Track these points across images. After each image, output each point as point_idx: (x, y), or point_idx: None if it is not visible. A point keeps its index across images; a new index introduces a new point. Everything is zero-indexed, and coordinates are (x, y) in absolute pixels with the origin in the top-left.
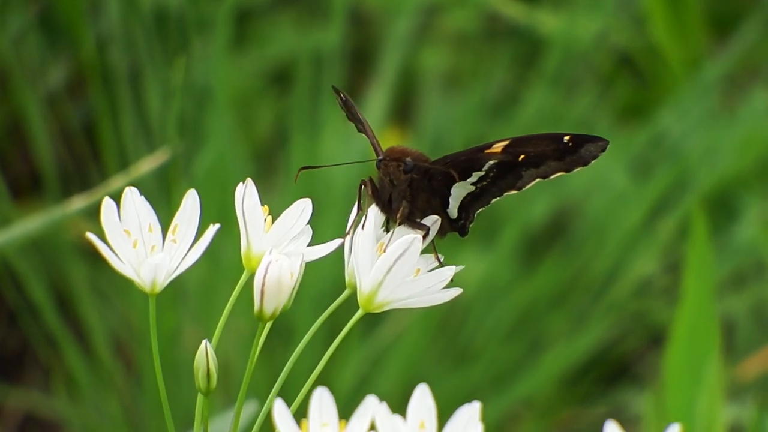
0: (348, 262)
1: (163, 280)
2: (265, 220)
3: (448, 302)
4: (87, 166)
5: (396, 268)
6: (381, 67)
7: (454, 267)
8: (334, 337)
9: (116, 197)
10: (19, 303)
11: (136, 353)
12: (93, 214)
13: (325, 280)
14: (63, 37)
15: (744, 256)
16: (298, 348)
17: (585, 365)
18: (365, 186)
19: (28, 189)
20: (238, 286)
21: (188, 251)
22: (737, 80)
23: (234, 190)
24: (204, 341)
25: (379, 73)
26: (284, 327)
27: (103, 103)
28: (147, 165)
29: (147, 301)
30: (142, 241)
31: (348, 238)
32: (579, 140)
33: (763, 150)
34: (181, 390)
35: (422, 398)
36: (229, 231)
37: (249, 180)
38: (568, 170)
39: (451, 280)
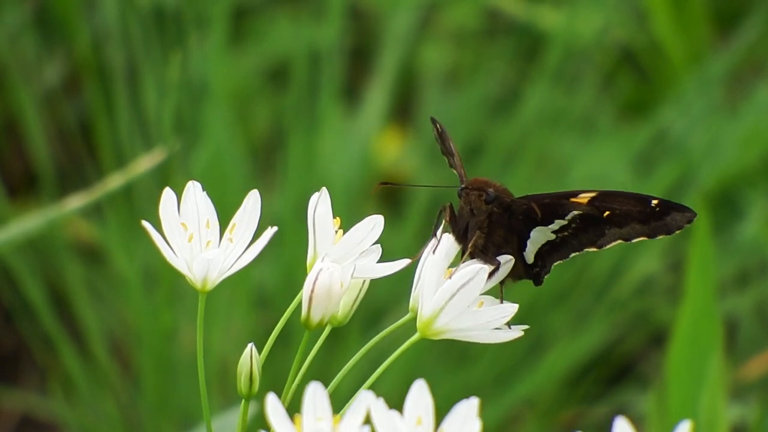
0: (414, 287)
1: (215, 278)
2: (336, 231)
3: None
4: (83, 165)
5: (459, 295)
6: (380, 64)
7: (516, 305)
8: (332, 333)
9: (114, 196)
10: (15, 303)
11: (133, 353)
12: (90, 213)
13: None
14: (59, 34)
15: (747, 254)
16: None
17: (587, 365)
18: (444, 211)
19: (24, 187)
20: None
21: (244, 251)
22: (740, 76)
23: (232, 188)
24: (250, 344)
25: (378, 70)
26: (286, 326)
27: (100, 101)
28: (144, 163)
29: (144, 301)
30: (198, 237)
31: (420, 261)
32: (666, 207)
33: (766, 146)
34: (178, 389)
35: (420, 394)
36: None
37: (324, 189)
38: (651, 236)
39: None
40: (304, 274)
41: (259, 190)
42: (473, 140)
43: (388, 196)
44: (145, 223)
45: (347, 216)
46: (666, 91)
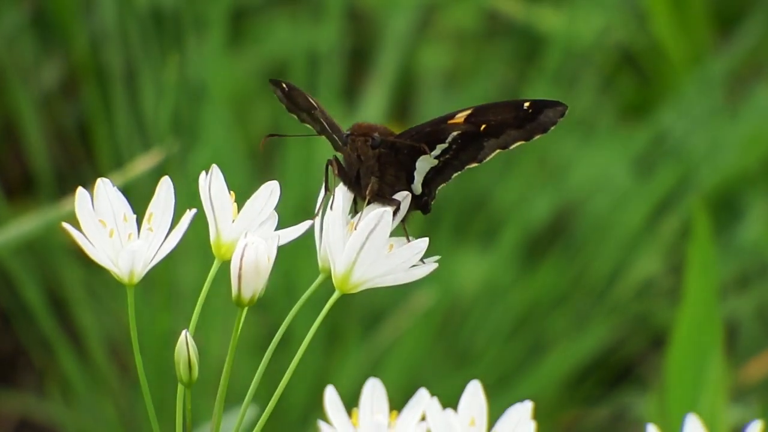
0: (320, 246)
1: (141, 269)
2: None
3: (448, 304)
4: (81, 166)
5: (369, 243)
6: (379, 66)
7: (426, 239)
8: (331, 336)
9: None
10: (13, 305)
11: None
12: None
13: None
14: (56, 36)
15: (748, 256)
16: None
17: (587, 367)
18: (331, 165)
19: (22, 190)
20: (209, 276)
21: (165, 239)
22: (741, 77)
23: (230, 190)
24: (184, 331)
25: (377, 71)
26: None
27: (98, 103)
28: (142, 165)
29: (142, 303)
30: (118, 232)
31: (317, 220)
32: (538, 106)
33: (767, 148)
34: (175, 391)
35: (473, 395)
36: None
37: (215, 166)
38: (527, 138)
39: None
40: (303, 277)
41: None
42: None
43: None
44: (65, 224)
45: None
46: (666, 93)
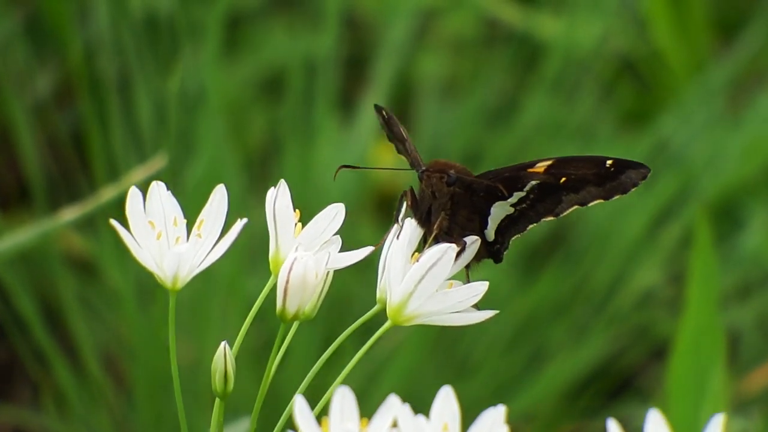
0: (381, 277)
1: (185, 275)
2: (295, 225)
3: None
4: (76, 177)
5: (428, 277)
6: (376, 74)
7: (486, 282)
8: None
9: (107, 208)
10: (7, 316)
11: (127, 368)
12: (83, 225)
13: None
14: (50, 44)
15: (749, 266)
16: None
17: (587, 378)
18: (405, 197)
19: (16, 200)
20: (265, 288)
21: (213, 247)
22: (742, 85)
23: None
24: (223, 343)
25: (374, 79)
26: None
27: (92, 112)
28: (138, 175)
29: (138, 314)
30: (166, 234)
31: (383, 249)
32: (620, 165)
33: None
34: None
35: (446, 401)
36: None
37: (282, 181)
38: (606, 198)
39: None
40: None
41: (254, 200)
42: (471, 150)
43: (383, 204)
44: (114, 222)
45: (343, 226)
46: (666, 101)
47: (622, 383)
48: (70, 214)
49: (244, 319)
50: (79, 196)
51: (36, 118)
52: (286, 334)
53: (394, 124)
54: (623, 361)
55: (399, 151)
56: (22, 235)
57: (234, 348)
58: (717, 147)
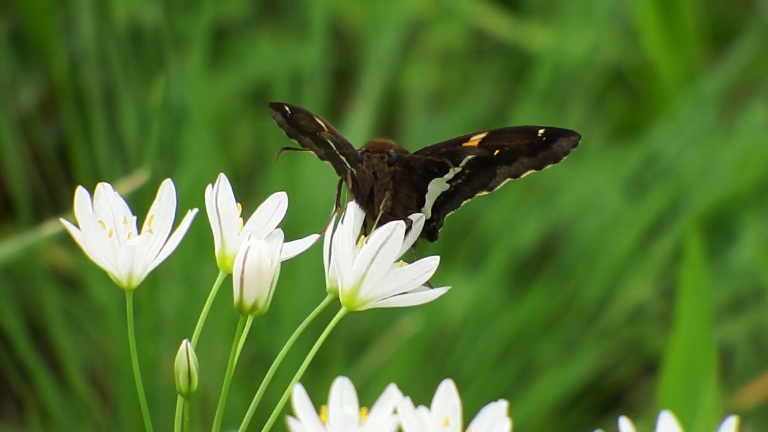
0: (328, 265)
1: (140, 272)
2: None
3: (435, 329)
4: (60, 190)
5: (379, 257)
6: (364, 86)
7: (437, 257)
8: (316, 362)
9: None
10: None
11: (112, 384)
12: (67, 239)
13: (305, 304)
14: (35, 56)
15: (742, 280)
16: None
17: (577, 394)
18: (345, 181)
19: (0, 213)
20: (214, 285)
21: (166, 241)
22: (734, 96)
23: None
24: (185, 341)
25: (362, 91)
26: (265, 355)
27: (77, 124)
28: (122, 188)
29: (124, 330)
30: (117, 234)
31: (327, 236)
32: (552, 134)
33: (761, 168)
34: (160, 419)
35: (447, 394)
36: (207, 257)
37: (222, 175)
38: (538, 167)
39: (430, 284)
40: (289, 302)
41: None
42: None
43: None
44: (65, 222)
45: None
46: (658, 112)
47: (613, 399)
48: (54, 227)
49: (230, 334)
50: (63, 209)
51: (20, 130)
52: (244, 327)
53: (303, 117)
54: (614, 376)
55: (304, 145)
56: (6, 248)
57: (229, 367)
58: (709, 159)
